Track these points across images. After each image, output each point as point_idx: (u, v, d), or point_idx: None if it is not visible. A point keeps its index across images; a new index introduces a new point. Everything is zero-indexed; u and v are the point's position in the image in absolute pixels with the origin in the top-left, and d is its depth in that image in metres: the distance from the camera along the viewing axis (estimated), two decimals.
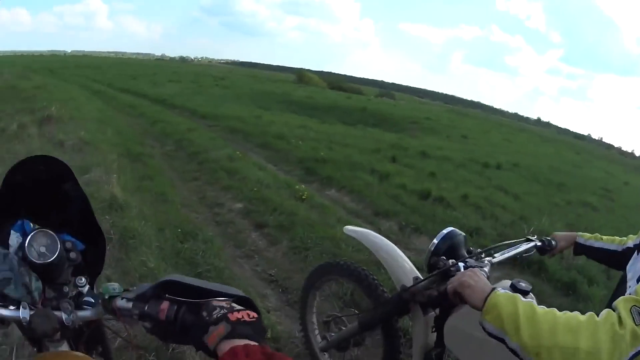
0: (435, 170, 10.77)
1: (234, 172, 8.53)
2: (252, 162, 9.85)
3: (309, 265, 4.88)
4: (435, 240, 2.31)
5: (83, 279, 1.46)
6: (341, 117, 23.66)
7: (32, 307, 1.28)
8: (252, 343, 1.02)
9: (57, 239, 1.44)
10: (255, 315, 1.12)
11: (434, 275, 2.22)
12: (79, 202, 1.60)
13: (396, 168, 10.26)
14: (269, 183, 7.94)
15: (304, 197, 7.43)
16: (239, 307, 1.13)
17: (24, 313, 1.24)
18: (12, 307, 1.26)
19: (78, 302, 1.41)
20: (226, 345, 1.02)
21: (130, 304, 1.26)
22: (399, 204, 7.64)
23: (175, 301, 1.20)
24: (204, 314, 1.11)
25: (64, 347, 1.43)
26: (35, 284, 1.36)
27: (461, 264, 2.11)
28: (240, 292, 1.23)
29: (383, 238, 2.88)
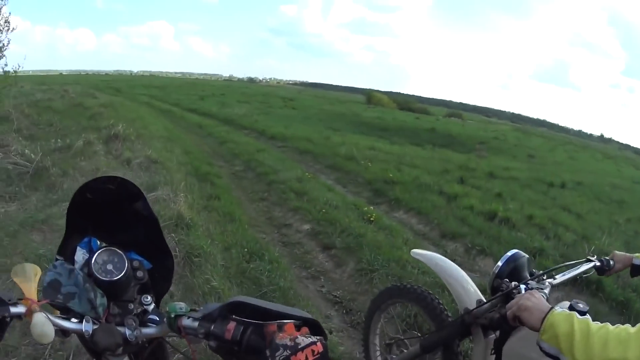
0: (502, 191, 10.74)
1: (302, 193, 8.64)
2: (321, 183, 9.98)
3: (374, 287, 4.99)
4: (499, 263, 2.35)
5: (149, 298, 1.52)
6: (410, 138, 23.83)
7: (96, 322, 1.36)
8: None
9: (124, 257, 1.51)
10: (320, 349, 1.14)
11: (496, 298, 2.26)
12: (149, 222, 1.66)
13: (464, 189, 10.20)
14: (337, 204, 8.02)
15: (372, 218, 7.46)
16: (304, 343, 1.14)
17: (86, 327, 1.32)
18: (74, 320, 1.35)
19: (143, 320, 1.47)
20: None
21: (196, 324, 1.30)
22: (466, 226, 7.65)
23: (241, 322, 1.24)
24: (267, 352, 1.14)
25: None
26: (100, 300, 1.43)
27: (522, 287, 2.15)
28: (307, 315, 1.26)
29: (448, 261, 2.93)
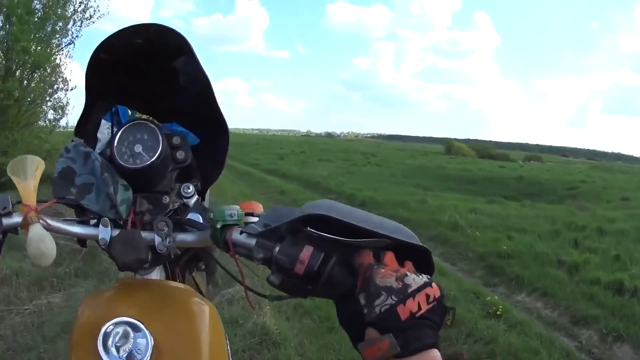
0: (618, 252, 9.42)
1: None
2: None
3: None
4: None
5: (191, 188, 1.21)
6: (500, 190, 23.55)
7: (117, 223, 1.08)
8: None
9: (159, 134, 1.14)
10: (437, 293, 0.77)
11: None
12: (197, 84, 1.23)
13: (581, 255, 8.98)
14: (455, 294, 6.85)
15: (498, 312, 6.29)
16: (415, 285, 0.75)
17: (103, 232, 1.04)
18: (92, 222, 1.08)
19: (181, 217, 1.15)
20: None
21: (253, 241, 0.89)
22: (595, 305, 6.62)
23: (321, 247, 0.82)
24: (361, 297, 0.77)
25: (154, 274, 1.18)
26: (123, 195, 1.10)
27: None
28: (414, 238, 0.86)
29: None
